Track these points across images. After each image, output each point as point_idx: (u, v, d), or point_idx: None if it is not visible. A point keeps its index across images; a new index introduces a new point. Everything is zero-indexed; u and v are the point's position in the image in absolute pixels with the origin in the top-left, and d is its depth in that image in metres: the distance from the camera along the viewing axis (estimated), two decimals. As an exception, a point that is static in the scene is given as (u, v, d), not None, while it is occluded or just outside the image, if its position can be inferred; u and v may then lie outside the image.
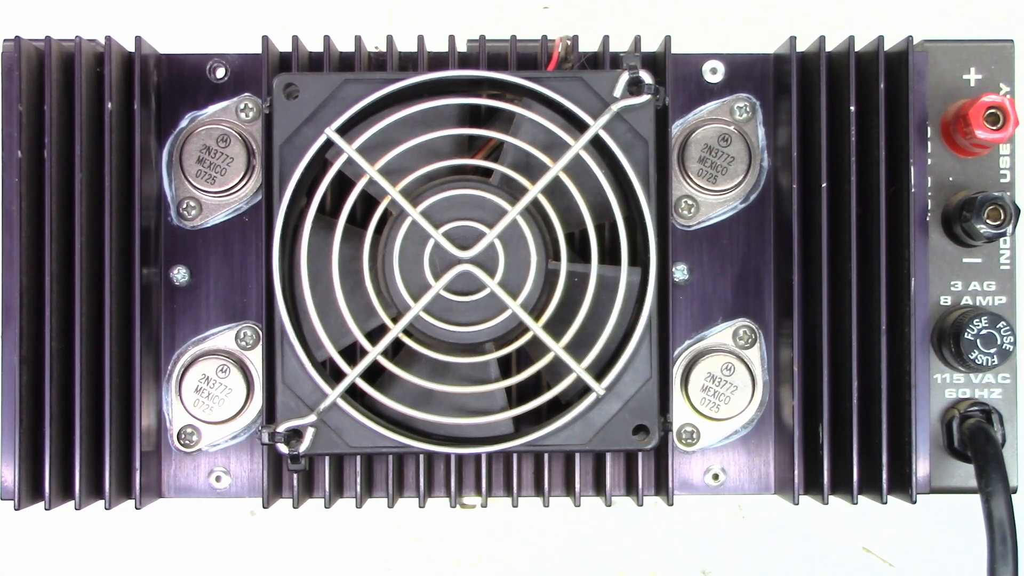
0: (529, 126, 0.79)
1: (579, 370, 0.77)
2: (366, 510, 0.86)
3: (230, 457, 0.86)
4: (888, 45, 0.83)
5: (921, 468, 0.84)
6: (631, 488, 0.86)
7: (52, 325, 0.81)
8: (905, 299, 0.82)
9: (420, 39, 0.86)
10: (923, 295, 0.84)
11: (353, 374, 0.77)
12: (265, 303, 0.80)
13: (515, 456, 0.85)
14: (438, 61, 0.86)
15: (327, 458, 0.84)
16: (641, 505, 0.85)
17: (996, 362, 0.82)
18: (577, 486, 0.85)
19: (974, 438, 0.81)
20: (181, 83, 0.86)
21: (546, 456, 0.85)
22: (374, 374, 0.79)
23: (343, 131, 0.78)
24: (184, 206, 0.85)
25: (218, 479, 0.86)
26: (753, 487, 0.87)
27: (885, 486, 0.81)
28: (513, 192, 0.78)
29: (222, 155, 0.85)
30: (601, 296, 0.78)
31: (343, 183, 0.81)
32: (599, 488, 0.86)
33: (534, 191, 0.77)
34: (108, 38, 0.82)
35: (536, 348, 0.79)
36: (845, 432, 0.83)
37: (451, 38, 0.85)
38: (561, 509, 1.12)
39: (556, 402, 0.80)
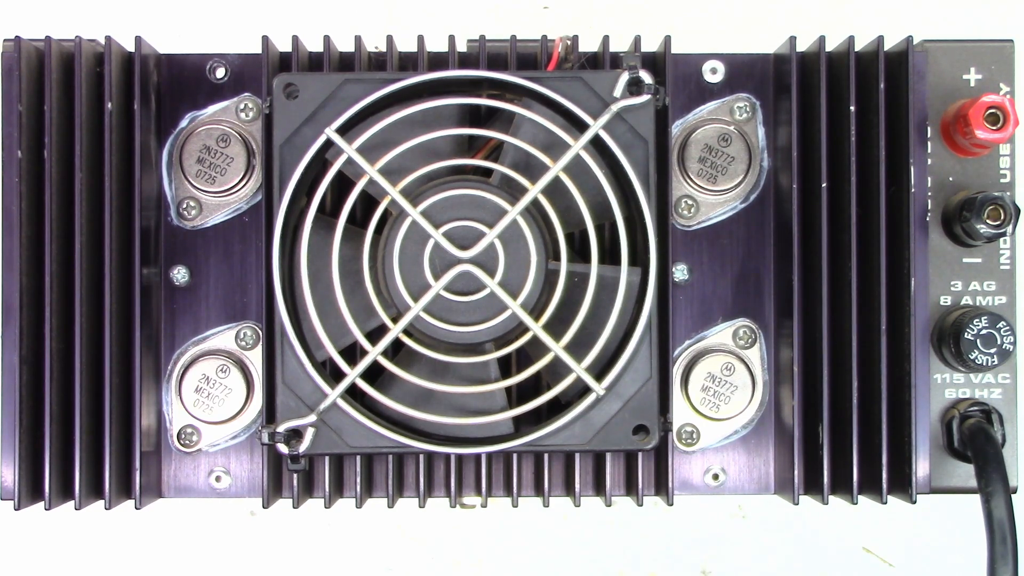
0: (529, 126, 0.79)
1: (579, 370, 0.77)
2: (366, 510, 0.86)
3: (230, 457, 0.86)
4: (888, 45, 0.83)
5: (921, 468, 0.84)
6: (631, 488, 0.86)
7: (52, 325, 0.81)
8: (905, 299, 0.82)
9: (420, 39, 0.86)
10: (923, 295, 0.84)
11: (353, 374, 0.77)
12: (265, 303, 0.80)
13: (515, 456, 0.85)
14: (438, 61, 0.86)
15: (327, 458, 0.84)
16: (641, 505, 0.85)
17: (996, 362, 0.82)
18: (577, 486, 0.85)
19: (974, 438, 0.81)
20: (181, 83, 0.86)
21: (546, 456, 0.85)
22: (374, 374, 0.79)
23: (343, 131, 0.78)
24: (184, 206, 0.85)
25: (218, 479, 0.86)
26: (753, 487, 0.87)
27: (885, 486, 0.81)
28: (513, 192, 0.78)
29: (222, 155, 0.85)
30: (601, 296, 0.78)
31: (343, 183, 0.81)
32: (599, 488, 0.86)
33: (534, 191, 0.77)
34: (108, 38, 0.82)
35: (536, 348, 0.79)
36: (845, 432, 0.83)
37: (451, 38, 0.85)
38: (561, 509, 1.12)
39: (556, 402, 0.80)
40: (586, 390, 0.78)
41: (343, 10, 1.13)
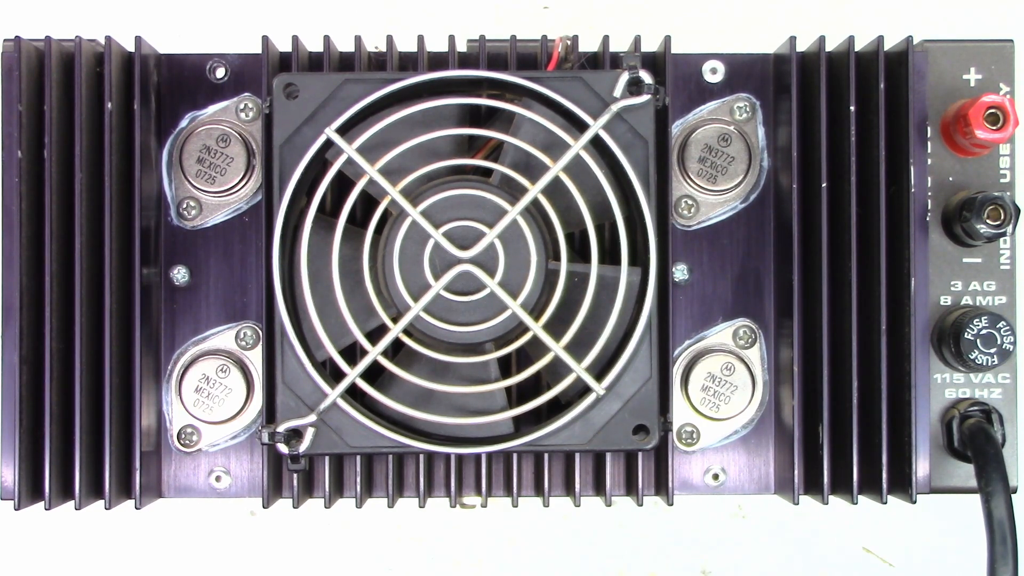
0: (529, 126, 0.79)
1: (579, 370, 0.77)
2: (366, 510, 0.86)
3: (230, 457, 0.86)
4: (888, 45, 0.83)
5: (921, 468, 0.84)
6: (631, 488, 0.86)
7: (52, 325, 0.81)
8: (905, 299, 0.82)
9: (420, 39, 0.86)
10: (923, 295, 0.84)
11: (353, 374, 0.77)
12: (265, 303, 0.80)
13: (515, 456, 0.85)
14: (438, 61, 0.86)
15: (327, 458, 0.84)
16: (641, 505, 0.85)
17: (996, 362, 0.82)
18: (577, 486, 0.85)
19: (974, 438, 0.81)
20: (181, 83, 0.86)
21: (546, 456, 0.85)
22: (374, 374, 0.79)
23: (343, 131, 0.78)
24: (184, 206, 0.85)
25: (218, 479, 0.86)
26: (753, 487, 0.87)
27: (885, 486, 0.81)
28: (513, 192, 0.78)
29: (222, 155, 0.85)
30: (601, 296, 0.78)
31: (343, 183, 0.81)
32: (599, 488, 0.86)
33: (534, 191, 0.77)
34: (108, 38, 0.82)
35: (536, 348, 0.79)
36: (845, 432, 0.83)
37: (451, 38, 0.85)
38: (561, 509, 1.12)
39: (556, 402, 0.80)
40: (586, 390, 0.78)
41: (343, 10, 1.13)
